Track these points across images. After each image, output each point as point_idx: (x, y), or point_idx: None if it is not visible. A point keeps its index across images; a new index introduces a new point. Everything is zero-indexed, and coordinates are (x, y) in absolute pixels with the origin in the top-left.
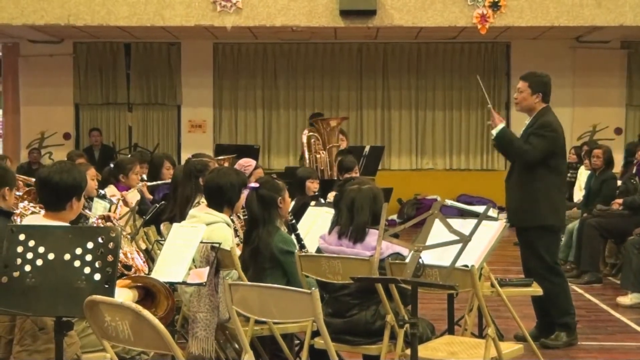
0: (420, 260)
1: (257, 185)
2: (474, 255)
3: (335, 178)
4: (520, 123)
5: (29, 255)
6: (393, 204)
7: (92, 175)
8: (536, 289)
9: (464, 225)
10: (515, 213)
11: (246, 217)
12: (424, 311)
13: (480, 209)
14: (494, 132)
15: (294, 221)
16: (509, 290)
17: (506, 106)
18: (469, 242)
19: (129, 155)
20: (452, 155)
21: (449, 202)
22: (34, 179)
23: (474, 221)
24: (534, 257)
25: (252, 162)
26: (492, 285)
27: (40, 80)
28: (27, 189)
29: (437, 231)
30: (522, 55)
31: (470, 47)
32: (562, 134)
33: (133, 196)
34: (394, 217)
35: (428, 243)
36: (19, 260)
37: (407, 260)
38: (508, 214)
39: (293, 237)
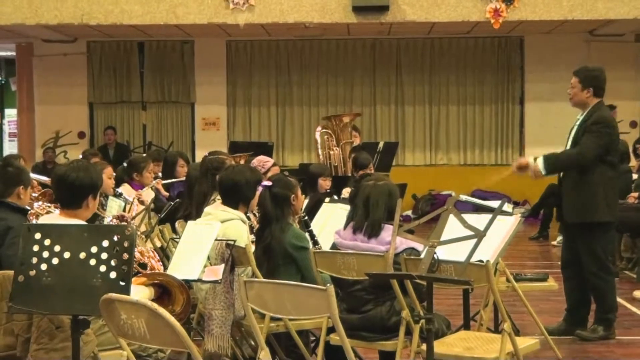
0: (435, 255)
1: (269, 183)
2: (489, 251)
3: (349, 174)
4: (536, 118)
5: (45, 254)
6: (408, 200)
7: (108, 174)
8: (551, 284)
9: (478, 221)
10: (572, 209)
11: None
12: (439, 307)
13: (495, 204)
14: (543, 172)
15: (306, 218)
16: (525, 285)
17: (520, 101)
18: (484, 237)
19: (144, 154)
20: (467, 150)
21: (463, 197)
22: (48, 179)
23: (488, 216)
24: (589, 254)
25: (270, 160)
26: (508, 280)
27: (54, 80)
28: (43, 190)
29: (452, 226)
30: (536, 50)
31: (484, 42)
32: (616, 130)
33: (147, 194)
34: (409, 212)
35: (443, 238)
36: (35, 259)
37: (422, 256)
38: (564, 210)
39: (306, 233)
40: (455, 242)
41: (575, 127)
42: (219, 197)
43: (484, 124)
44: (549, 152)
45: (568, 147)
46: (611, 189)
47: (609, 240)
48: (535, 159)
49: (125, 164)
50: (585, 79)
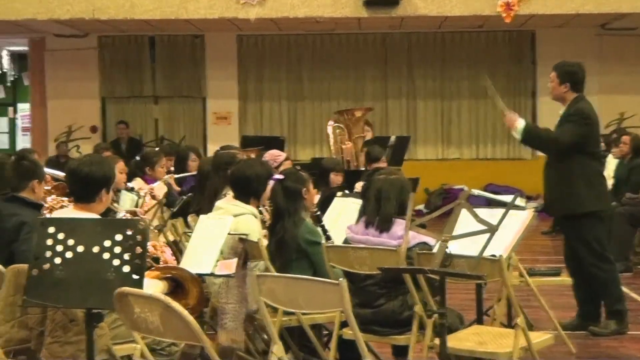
0: (447, 250)
1: (281, 176)
2: (502, 245)
3: (361, 169)
4: (548, 112)
5: (59, 248)
6: (420, 194)
7: (120, 169)
8: (565, 278)
9: (491, 215)
10: (557, 203)
11: (272, 208)
12: (452, 301)
13: (507, 198)
14: (518, 133)
15: (319, 213)
16: (538, 279)
17: (532, 95)
18: (497, 232)
19: (156, 148)
20: (479, 144)
21: (476, 191)
22: (62, 173)
23: (501, 210)
24: (583, 246)
25: (282, 154)
26: (521, 275)
27: (66, 74)
28: (55, 183)
29: (465, 221)
30: (548, 44)
31: (495, 35)
32: (595, 121)
33: (160, 189)
34: (421, 207)
35: (455, 233)
36: (48, 253)
37: (434, 251)
38: (548, 205)
39: (318, 228)
40: (468, 237)
41: (557, 123)
42: (230, 191)
43: (496, 118)
44: (529, 124)
45: None
46: (595, 178)
47: (601, 230)
48: (524, 123)
49: (137, 159)
50: (562, 74)
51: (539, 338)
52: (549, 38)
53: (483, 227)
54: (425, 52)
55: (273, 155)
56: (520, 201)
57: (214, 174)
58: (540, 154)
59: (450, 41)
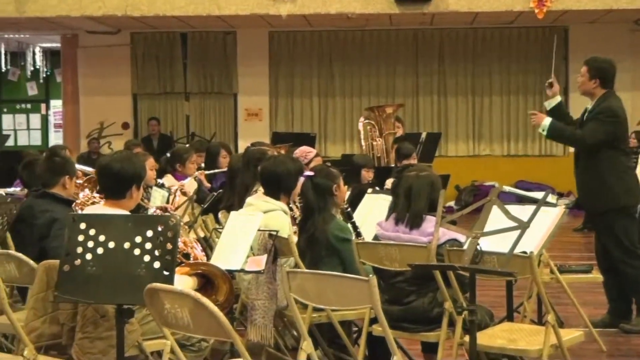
0: (478, 246)
1: (312, 173)
2: (532, 242)
3: (392, 165)
4: (580, 108)
5: (90, 244)
6: (450, 191)
7: (151, 165)
8: (596, 276)
9: (522, 212)
10: (587, 198)
11: (302, 205)
12: (482, 298)
13: (538, 195)
14: (543, 131)
15: (349, 209)
16: (569, 276)
17: (565, 91)
18: (528, 229)
19: (187, 145)
20: (510, 141)
21: (507, 188)
22: (91, 169)
23: (532, 207)
24: (613, 242)
25: (313, 150)
26: (552, 272)
27: (98, 71)
28: (87, 178)
29: (495, 218)
30: (580, 40)
31: (528, 32)
32: (623, 118)
33: (190, 185)
34: (452, 203)
35: (486, 230)
36: (80, 249)
37: (464, 247)
38: (580, 200)
39: (349, 224)
40: (499, 234)
41: (585, 116)
42: (260, 188)
43: (527, 114)
44: (555, 122)
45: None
46: (625, 173)
47: (631, 226)
48: (550, 121)
49: (168, 155)
50: (593, 69)
51: (569, 335)
52: (581, 34)
53: (514, 224)
54: (457, 49)
55: (304, 152)
56: (551, 198)
57: (245, 170)
58: (571, 150)
59: (481, 37)
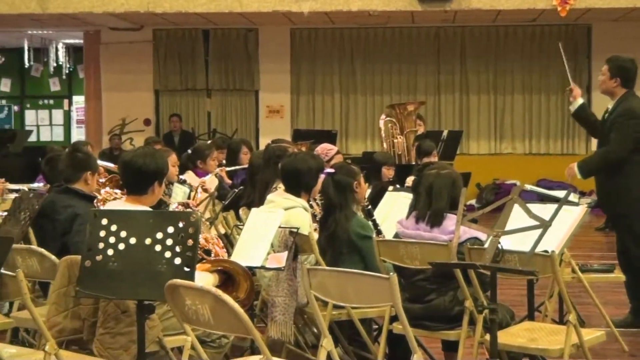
0: (499, 245)
1: (332, 170)
2: (554, 241)
3: (413, 163)
4: (603, 106)
5: (112, 240)
6: (472, 189)
7: (173, 162)
8: (618, 275)
9: (544, 210)
10: (607, 200)
11: (322, 202)
12: (503, 297)
13: (560, 194)
14: (579, 176)
15: (370, 207)
16: (591, 276)
17: (587, 90)
18: (549, 228)
19: (208, 141)
20: (532, 139)
21: (528, 187)
22: (115, 165)
23: (554, 206)
24: (632, 241)
25: (334, 148)
26: (573, 271)
27: (120, 67)
28: (109, 175)
29: (517, 216)
30: (604, 38)
31: (550, 29)
32: None
33: (211, 182)
34: (473, 202)
35: (507, 228)
36: (101, 245)
37: (486, 246)
38: (600, 201)
39: (369, 222)
40: (520, 232)
41: (605, 117)
42: (281, 185)
43: (549, 112)
44: (581, 160)
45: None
46: None
47: None
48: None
49: (189, 152)
50: (614, 68)
51: (590, 335)
52: (605, 32)
53: (535, 223)
54: (479, 46)
55: (324, 149)
56: (573, 197)
57: (265, 167)
58: (593, 148)
59: (504, 35)
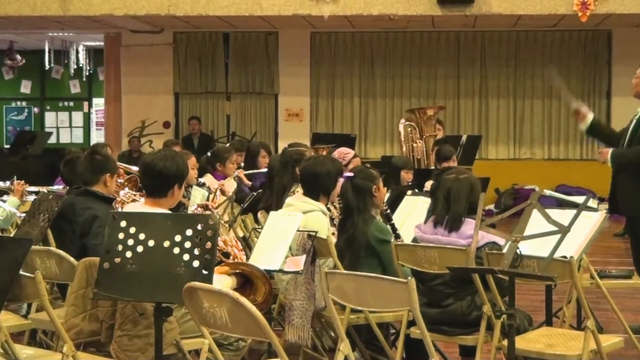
0: (517, 250)
1: (351, 174)
2: (573, 246)
3: (432, 167)
4: (623, 112)
5: (130, 242)
6: (490, 194)
7: (192, 164)
8: (637, 281)
9: (562, 216)
10: (626, 202)
11: (341, 206)
12: (521, 302)
13: (579, 199)
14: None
15: (388, 211)
16: (609, 282)
17: (607, 95)
18: (568, 233)
19: (227, 144)
20: (551, 144)
21: (547, 192)
22: (135, 167)
23: (573, 212)
24: None
25: (351, 152)
26: (592, 277)
27: (141, 70)
28: (128, 176)
29: (535, 221)
30: (624, 43)
31: (571, 35)
32: None
33: (230, 185)
34: (491, 207)
35: (526, 233)
36: (120, 247)
37: (504, 251)
38: (620, 204)
39: (388, 226)
40: (539, 237)
41: (635, 121)
42: (299, 188)
43: (569, 118)
44: (616, 150)
45: (626, 140)
46: None
47: None
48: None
49: (208, 154)
50: None
51: (608, 341)
52: (625, 38)
53: (554, 228)
54: (499, 51)
55: (341, 153)
56: (592, 202)
57: (282, 171)
58: None
59: (524, 40)
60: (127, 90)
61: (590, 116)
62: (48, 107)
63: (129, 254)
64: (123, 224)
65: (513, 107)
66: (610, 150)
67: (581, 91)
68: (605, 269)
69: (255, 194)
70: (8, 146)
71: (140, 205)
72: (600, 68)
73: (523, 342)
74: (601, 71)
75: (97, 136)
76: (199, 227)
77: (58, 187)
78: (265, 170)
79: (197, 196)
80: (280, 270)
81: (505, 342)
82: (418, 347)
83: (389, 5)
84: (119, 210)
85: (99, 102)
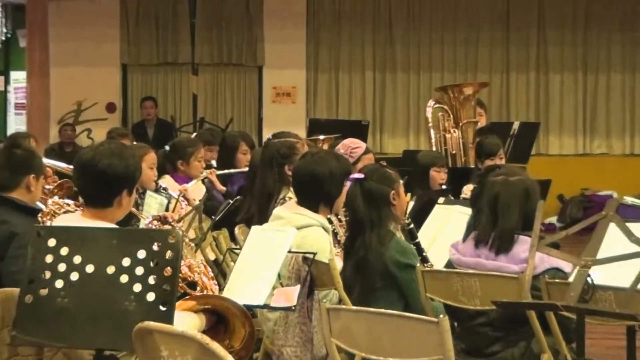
0: (589, 279)
1: (361, 176)
2: None
3: (472, 166)
4: None
5: (61, 267)
6: (552, 202)
7: (149, 162)
8: None
9: None
10: None
11: (348, 218)
12: (594, 348)
13: None
14: None
15: (412, 225)
16: None
17: None
18: None
19: (192, 135)
20: (634, 135)
21: (629, 199)
22: (68, 166)
23: None
24: None
25: (362, 145)
26: None
27: (76, 34)
28: (60, 181)
29: (613, 240)
30: None
31: None
32: None
33: (197, 190)
34: (553, 219)
35: (600, 256)
36: (47, 274)
37: (570, 279)
38: None
39: (412, 246)
40: (618, 262)
41: None
42: (290, 194)
43: None
44: None
45: None
46: None
47: None
48: None
49: (166, 149)
50: None
51: None
52: None
53: (638, 249)
54: (563, 9)
55: (348, 147)
56: None
57: (265, 171)
58: None
59: None
60: (58, 62)
61: None
62: None
63: (59, 284)
64: (52, 242)
65: (582, 84)
66: None
67: None
68: None
69: (231, 202)
70: None
71: (76, 217)
72: None
73: None
74: None
75: (17, 123)
76: (156, 247)
77: None
78: (245, 170)
79: (152, 205)
80: (266, 306)
81: None
82: None
83: None
84: (47, 224)
85: (18, 77)
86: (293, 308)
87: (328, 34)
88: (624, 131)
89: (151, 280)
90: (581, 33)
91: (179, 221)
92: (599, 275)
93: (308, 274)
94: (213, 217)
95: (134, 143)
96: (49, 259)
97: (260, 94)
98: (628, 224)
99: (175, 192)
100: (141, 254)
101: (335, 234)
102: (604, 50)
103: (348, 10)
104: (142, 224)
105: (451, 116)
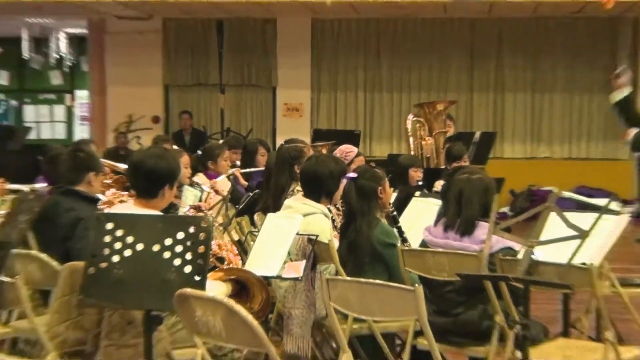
0: (533, 256)
1: (355, 175)
2: (593, 253)
3: (443, 167)
4: None
5: (117, 246)
6: (505, 196)
7: (185, 163)
8: None
9: (582, 220)
10: None
11: (344, 208)
12: (536, 312)
13: (601, 201)
14: (629, 146)
15: (395, 213)
16: (631, 290)
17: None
18: (588, 238)
19: (221, 141)
20: (571, 142)
21: (566, 193)
22: (122, 165)
23: (594, 215)
24: None
25: (354, 149)
26: (613, 285)
27: (128, 60)
28: (115, 177)
29: (553, 225)
30: None
31: (595, 23)
32: None
33: (223, 184)
34: (506, 209)
35: (542, 238)
36: (106, 251)
37: (519, 257)
38: None
39: (394, 229)
40: (556, 243)
41: None
42: (298, 188)
43: (591, 113)
44: None
45: None
46: None
47: None
48: None
49: (199, 153)
50: None
51: (629, 353)
52: None
53: (573, 233)
54: (517, 40)
55: (343, 151)
56: (614, 205)
57: (279, 170)
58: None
59: (544, 28)
60: (113, 82)
61: (628, 88)
62: (28, 100)
63: (115, 259)
64: (109, 226)
65: (531, 101)
66: (633, 129)
67: (605, 84)
68: (627, 276)
69: (251, 194)
70: None
71: (129, 206)
72: (626, 59)
73: (538, 354)
74: (627, 63)
75: (81, 131)
76: (191, 229)
77: (41, 186)
78: (262, 168)
79: (189, 197)
80: (279, 277)
81: (518, 354)
82: (425, 358)
83: None
84: (105, 211)
85: (82, 95)
86: (300, 278)
87: (328, 61)
88: (563, 139)
89: (188, 256)
90: (530, 61)
91: (210, 209)
92: (542, 254)
93: (312, 251)
94: (237, 206)
95: (174, 147)
96: (107, 238)
97: (274, 109)
98: (565, 213)
99: (207, 186)
100: (180, 235)
101: (333, 221)
102: (549, 75)
103: (344, 42)
104: (181, 212)
105: (426, 127)
